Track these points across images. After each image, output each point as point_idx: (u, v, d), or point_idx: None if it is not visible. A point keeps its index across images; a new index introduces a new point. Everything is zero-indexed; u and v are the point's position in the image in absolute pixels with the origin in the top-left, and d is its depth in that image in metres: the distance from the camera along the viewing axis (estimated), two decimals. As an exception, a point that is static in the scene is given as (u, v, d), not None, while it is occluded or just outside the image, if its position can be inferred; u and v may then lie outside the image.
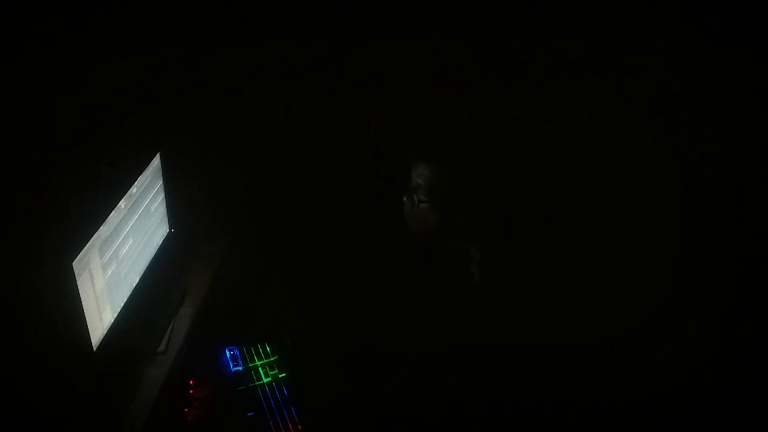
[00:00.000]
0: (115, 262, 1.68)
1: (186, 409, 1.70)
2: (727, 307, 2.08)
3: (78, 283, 1.44)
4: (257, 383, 1.78)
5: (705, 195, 2.11)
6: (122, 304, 1.75)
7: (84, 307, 1.48)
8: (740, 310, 2.02)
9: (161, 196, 2.03)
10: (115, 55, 1.90)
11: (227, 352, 1.87)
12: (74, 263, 1.41)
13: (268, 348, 1.90)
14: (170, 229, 2.13)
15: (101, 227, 1.56)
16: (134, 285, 1.84)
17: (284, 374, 1.82)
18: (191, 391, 1.75)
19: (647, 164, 2.23)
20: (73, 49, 1.72)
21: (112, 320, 1.68)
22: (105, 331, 1.63)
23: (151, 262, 1.97)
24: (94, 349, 1.56)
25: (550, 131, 2.35)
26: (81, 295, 1.46)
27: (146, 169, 1.85)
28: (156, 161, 1.94)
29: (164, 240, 2.09)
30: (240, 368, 1.83)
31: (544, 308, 1.98)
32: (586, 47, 2.16)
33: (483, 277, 1.65)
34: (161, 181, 2.01)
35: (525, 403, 1.83)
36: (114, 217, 1.64)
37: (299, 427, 1.66)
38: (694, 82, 2.05)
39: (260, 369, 1.83)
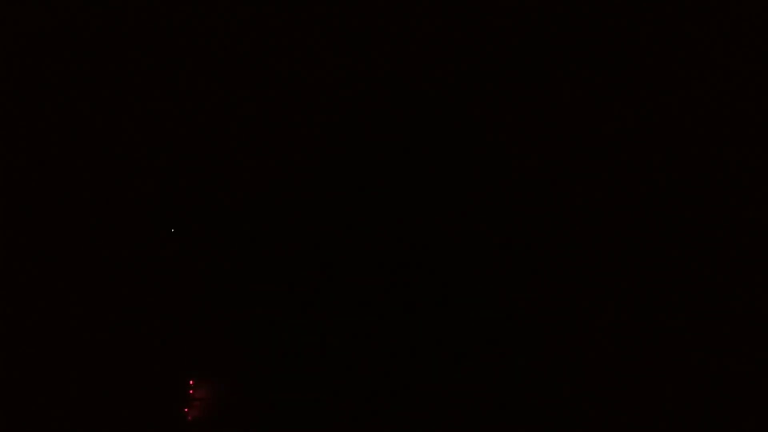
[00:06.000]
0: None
1: (186, 409, 1.69)
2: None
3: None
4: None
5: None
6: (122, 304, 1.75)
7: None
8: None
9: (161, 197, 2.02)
10: (116, 55, 1.90)
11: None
12: (75, 264, 1.41)
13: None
14: (170, 229, 2.13)
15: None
16: (134, 284, 1.83)
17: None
18: (191, 391, 1.74)
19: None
20: (74, 49, 1.71)
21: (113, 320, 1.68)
22: (105, 331, 1.62)
23: (151, 262, 1.96)
24: (94, 348, 1.56)
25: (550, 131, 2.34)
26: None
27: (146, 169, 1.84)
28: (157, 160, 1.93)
29: (164, 240, 2.08)
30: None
31: (543, 307, 1.97)
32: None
33: (483, 277, 1.65)
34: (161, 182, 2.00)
35: (524, 403, 1.83)
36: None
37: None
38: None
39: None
